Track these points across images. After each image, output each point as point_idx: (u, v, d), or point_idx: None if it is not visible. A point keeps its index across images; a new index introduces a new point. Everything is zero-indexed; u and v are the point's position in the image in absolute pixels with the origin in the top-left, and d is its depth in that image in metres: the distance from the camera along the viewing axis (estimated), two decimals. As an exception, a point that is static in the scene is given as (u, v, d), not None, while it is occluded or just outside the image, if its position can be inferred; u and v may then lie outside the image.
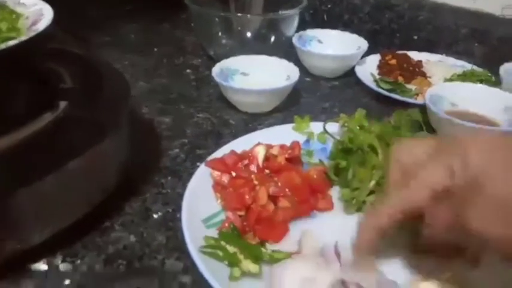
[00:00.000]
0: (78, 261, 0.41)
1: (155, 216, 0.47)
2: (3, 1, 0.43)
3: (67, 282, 0.39)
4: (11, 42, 0.37)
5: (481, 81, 0.72)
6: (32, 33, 0.39)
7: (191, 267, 0.40)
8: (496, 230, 0.30)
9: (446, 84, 0.70)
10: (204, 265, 0.38)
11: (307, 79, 0.80)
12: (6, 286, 0.38)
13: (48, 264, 0.41)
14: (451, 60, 0.83)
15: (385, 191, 0.36)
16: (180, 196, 0.45)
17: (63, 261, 0.41)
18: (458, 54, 0.84)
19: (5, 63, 0.37)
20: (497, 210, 0.30)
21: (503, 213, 0.30)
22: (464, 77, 0.75)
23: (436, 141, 0.34)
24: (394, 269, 0.40)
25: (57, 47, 0.50)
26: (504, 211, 0.30)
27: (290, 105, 0.70)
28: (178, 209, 0.45)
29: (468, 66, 0.80)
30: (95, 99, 0.45)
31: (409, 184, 0.33)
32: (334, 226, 0.46)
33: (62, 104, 0.43)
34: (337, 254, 0.39)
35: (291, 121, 0.60)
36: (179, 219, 0.43)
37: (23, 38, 0.38)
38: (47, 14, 0.44)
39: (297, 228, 0.45)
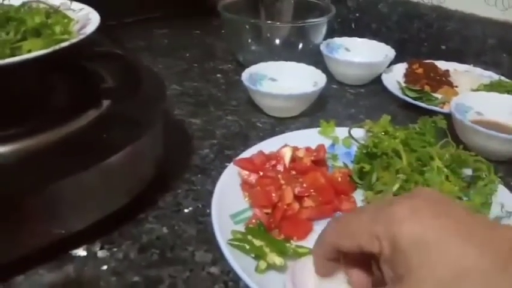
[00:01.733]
0: (115, 249, 0.44)
1: (186, 210, 0.50)
2: (57, 6, 0.46)
3: (104, 267, 0.42)
4: (64, 44, 0.40)
5: (508, 92, 0.72)
6: (81, 36, 0.43)
7: (219, 259, 0.43)
8: None
9: (472, 93, 0.71)
10: (232, 257, 0.40)
11: (334, 86, 0.81)
12: (49, 269, 0.42)
13: (88, 250, 0.44)
14: (479, 71, 0.83)
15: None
16: (210, 193, 0.48)
17: (101, 248, 0.44)
18: (486, 65, 0.84)
19: (58, 64, 0.41)
20: None
21: None
22: (491, 87, 0.75)
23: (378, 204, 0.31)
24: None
25: (101, 49, 0.54)
26: None
27: (316, 111, 0.72)
28: (207, 204, 0.47)
29: (495, 76, 0.80)
30: (134, 99, 0.49)
31: (345, 226, 0.31)
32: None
33: (105, 103, 0.46)
34: None
35: (317, 126, 0.62)
36: (208, 214, 0.46)
37: (74, 40, 0.42)
38: (94, 19, 0.47)
39: (321, 228, 0.47)
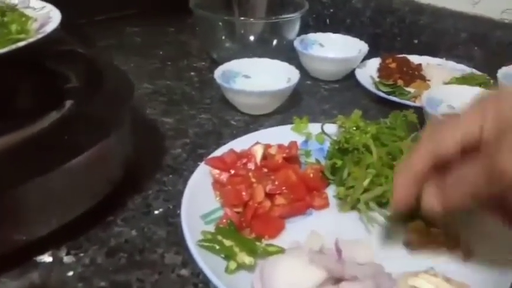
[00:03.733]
0: (82, 254, 0.43)
1: (156, 212, 0.49)
2: (14, 4, 0.45)
3: (70, 273, 0.41)
4: (20, 44, 0.39)
5: (480, 85, 0.73)
6: (40, 35, 0.41)
7: (190, 261, 0.42)
8: None
9: (443, 87, 0.71)
10: (202, 258, 0.39)
11: (308, 82, 0.81)
12: (13, 277, 0.40)
13: (53, 256, 0.42)
14: (451, 64, 0.84)
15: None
16: (181, 193, 0.47)
17: (67, 253, 0.43)
18: (458, 58, 0.85)
19: (15, 64, 0.39)
20: None
21: None
22: (463, 80, 0.75)
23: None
24: (390, 263, 0.41)
25: (64, 48, 0.52)
26: None
27: (290, 107, 0.71)
28: (178, 205, 0.46)
29: (468, 69, 0.81)
30: (99, 98, 0.47)
31: (441, 130, 0.32)
32: (330, 223, 0.47)
33: (68, 103, 0.45)
34: (338, 251, 0.40)
35: (291, 123, 0.61)
36: (179, 216, 0.44)
37: (32, 39, 0.40)
38: (55, 17, 0.46)
39: (293, 225, 0.47)
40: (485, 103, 0.31)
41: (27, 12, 0.45)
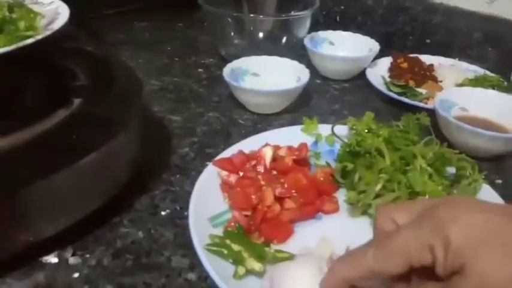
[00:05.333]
0: (88, 255, 0.42)
1: (163, 213, 0.48)
2: (22, 0, 0.44)
3: (76, 275, 0.40)
4: (28, 41, 0.38)
5: (493, 87, 0.72)
6: (48, 32, 0.40)
7: (197, 265, 0.41)
8: None
9: (456, 89, 0.70)
10: (209, 263, 0.38)
11: (318, 81, 0.80)
12: (18, 277, 0.40)
13: (59, 257, 0.42)
14: (464, 65, 0.82)
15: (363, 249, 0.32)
16: (189, 194, 0.46)
17: (73, 254, 0.42)
18: (471, 59, 0.83)
19: (23, 61, 0.39)
20: None
21: None
22: (476, 82, 0.74)
23: (419, 208, 0.31)
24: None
25: (72, 45, 0.51)
26: None
27: (300, 107, 0.70)
28: (186, 206, 0.45)
29: (480, 71, 0.79)
30: (107, 97, 0.46)
31: (387, 248, 0.30)
32: (340, 228, 0.46)
33: (76, 101, 0.44)
34: None
35: (300, 122, 0.60)
36: (187, 217, 0.44)
37: (40, 36, 0.39)
38: (63, 13, 0.45)
39: (302, 230, 0.46)
40: (433, 227, 0.28)
41: (36, 7, 0.44)
